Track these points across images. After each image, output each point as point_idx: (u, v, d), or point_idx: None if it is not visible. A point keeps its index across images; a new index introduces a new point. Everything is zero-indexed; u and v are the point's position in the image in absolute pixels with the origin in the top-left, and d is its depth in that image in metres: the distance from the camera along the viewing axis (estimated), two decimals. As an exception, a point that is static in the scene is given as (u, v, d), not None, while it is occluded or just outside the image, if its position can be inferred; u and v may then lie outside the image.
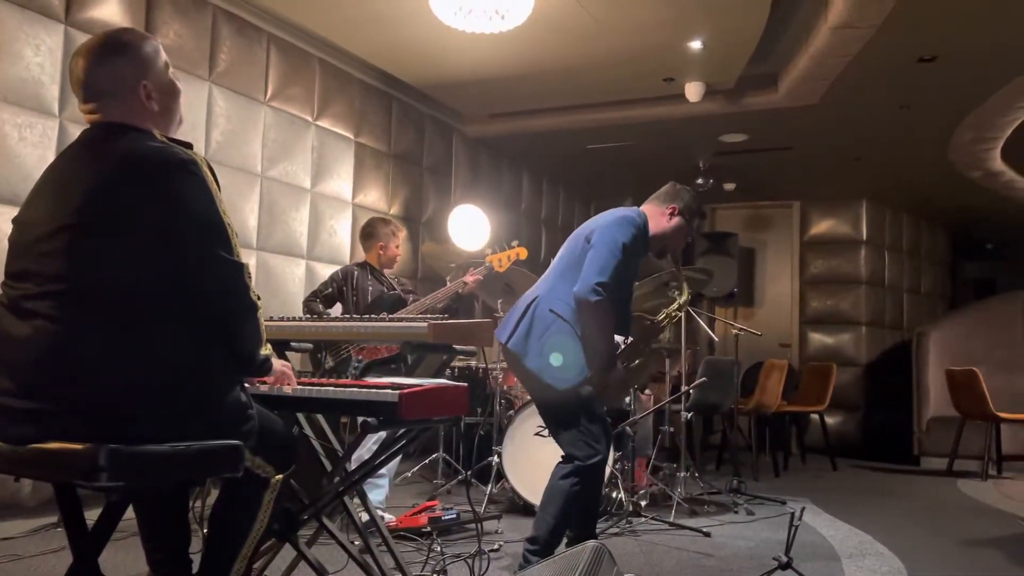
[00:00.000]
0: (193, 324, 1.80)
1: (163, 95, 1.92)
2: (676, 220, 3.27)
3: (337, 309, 4.56)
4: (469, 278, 4.43)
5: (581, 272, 3.02)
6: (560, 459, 3.05)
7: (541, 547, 2.93)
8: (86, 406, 1.70)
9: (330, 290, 4.53)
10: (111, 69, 1.88)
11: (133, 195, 1.76)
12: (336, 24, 5.38)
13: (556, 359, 3.00)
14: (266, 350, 1.96)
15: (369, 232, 4.62)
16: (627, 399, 4.76)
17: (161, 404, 1.74)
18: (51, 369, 1.71)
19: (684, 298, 3.56)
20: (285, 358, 2.33)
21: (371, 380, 2.26)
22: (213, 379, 1.84)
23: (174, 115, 1.98)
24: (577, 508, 2.99)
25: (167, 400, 1.75)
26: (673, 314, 3.51)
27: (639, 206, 3.30)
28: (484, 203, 6.83)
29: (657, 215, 3.27)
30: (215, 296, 1.83)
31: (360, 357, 4.28)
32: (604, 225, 3.11)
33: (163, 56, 1.97)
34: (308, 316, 4.30)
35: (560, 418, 3.07)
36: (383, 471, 4.00)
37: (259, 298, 1.92)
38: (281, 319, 2.77)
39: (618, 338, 3.22)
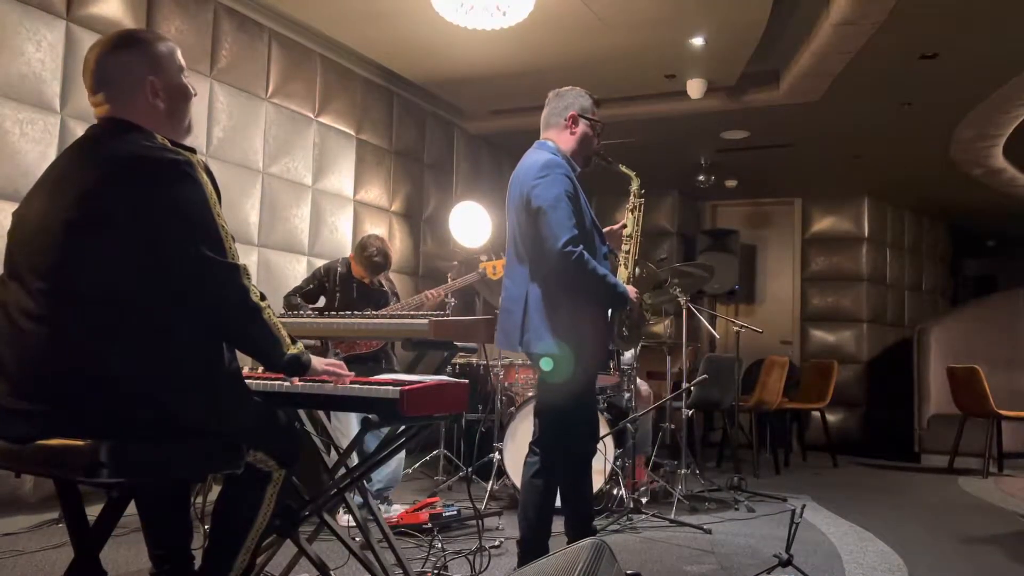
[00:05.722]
0: (186, 322, 1.78)
1: (172, 97, 1.91)
2: (580, 126, 3.18)
3: (321, 304, 4.55)
4: (434, 293, 4.49)
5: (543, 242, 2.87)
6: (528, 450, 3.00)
7: (527, 547, 2.92)
8: (78, 406, 1.69)
9: (311, 287, 4.51)
10: (121, 60, 1.88)
11: (122, 196, 1.74)
12: (337, 20, 5.37)
13: (546, 363, 2.93)
14: (293, 349, 1.91)
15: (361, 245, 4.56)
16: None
17: (153, 403, 1.73)
18: (42, 370, 1.71)
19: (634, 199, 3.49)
20: None
21: (373, 377, 2.26)
22: (210, 376, 1.83)
23: (182, 119, 1.95)
24: (543, 501, 2.92)
25: (159, 398, 1.74)
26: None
27: (542, 139, 3.20)
28: (485, 200, 6.82)
29: (563, 136, 3.18)
30: (209, 300, 1.80)
31: (337, 351, 4.26)
32: (532, 186, 2.96)
33: (179, 60, 1.95)
34: (287, 312, 4.25)
35: (549, 402, 3.02)
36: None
37: (263, 298, 1.87)
38: (282, 316, 2.77)
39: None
